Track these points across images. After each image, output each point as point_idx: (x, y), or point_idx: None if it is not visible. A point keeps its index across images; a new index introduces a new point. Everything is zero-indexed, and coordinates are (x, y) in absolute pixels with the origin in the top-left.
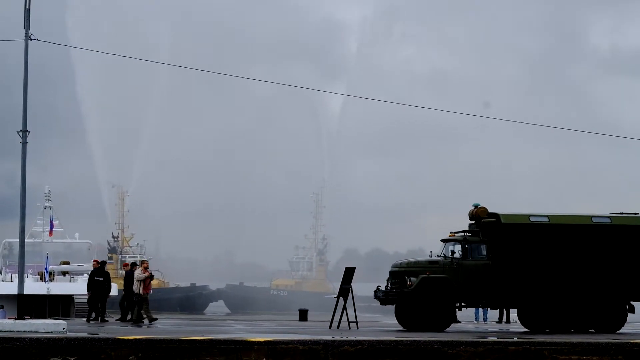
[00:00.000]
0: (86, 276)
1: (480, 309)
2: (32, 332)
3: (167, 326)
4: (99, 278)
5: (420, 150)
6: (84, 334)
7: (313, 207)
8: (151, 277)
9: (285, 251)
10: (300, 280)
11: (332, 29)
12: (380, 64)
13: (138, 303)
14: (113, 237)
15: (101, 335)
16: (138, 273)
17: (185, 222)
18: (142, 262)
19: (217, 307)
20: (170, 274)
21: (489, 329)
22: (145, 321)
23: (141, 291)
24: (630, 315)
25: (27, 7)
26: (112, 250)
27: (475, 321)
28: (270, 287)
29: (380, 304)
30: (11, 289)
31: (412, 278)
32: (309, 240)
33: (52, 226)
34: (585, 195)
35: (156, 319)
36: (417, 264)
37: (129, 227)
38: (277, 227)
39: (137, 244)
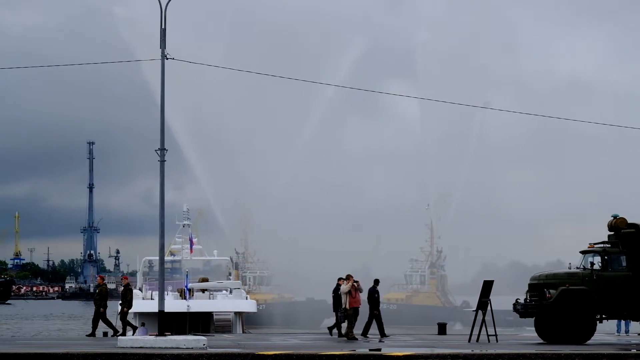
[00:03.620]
0: (225, 292)
1: (622, 321)
2: (173, 347)
3: (304, 341)
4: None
5: (556, 160)
6: (225, 350)
7: (429, 220)
8: (357, 289)
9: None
10: (411, 293)
11: (469, 37)
12: (520, 72)
13: (347, 318)
14: (236, 252)
15: (240, 351)
16: (342, 286)
17: (318, 236)
18: (348, 276)
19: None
20: (302, 290)
21: (632, 341)
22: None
23: (347, 305)
24: None
25: (163, 27)
26: (234, 266)
27: (616, 333)
28: (382, 301)
29: (520, 317)
30: (152, 306)
31: (551, 290)
32: (424, 253)
33: (191, 244)
34: None
35: (356, 339)
36: (556, 276)
37: (252, 243)
38: (404, 239)
39: (258, 259)
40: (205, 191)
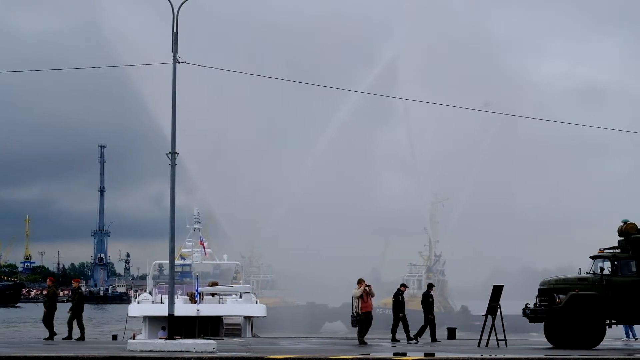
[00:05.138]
0: (235, 297)
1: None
2: (183, 351)
3: (313, 345)
4: None
5: (567, 164)
6: (234, 354)
7: (428, 224)
8: (369, 293)
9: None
10: (408, 298)
11: (484, 42)
12: (535, 77)
13: (359, 323)
14: (242, 256)
15: (250, 354)
16: (354, 291)
17: (326, 241)
18: (360, 280)
19: (334, 327)
20: (305, 294)
21: None
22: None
23: (359, 310)
24: None
25: (175, 30)
26: (242, 270)
27: (625, 338)
28: (378, 306)
29: (529, 322)
30: (161, 310)
31: (561, 295)
32: (422, 258)
33: (204, 247)
34: None
35: (366, 344)
36: (565, 281)
37: (257, 248)
38: (408, 244)
39: (262, 263)
40: (213, 195)
